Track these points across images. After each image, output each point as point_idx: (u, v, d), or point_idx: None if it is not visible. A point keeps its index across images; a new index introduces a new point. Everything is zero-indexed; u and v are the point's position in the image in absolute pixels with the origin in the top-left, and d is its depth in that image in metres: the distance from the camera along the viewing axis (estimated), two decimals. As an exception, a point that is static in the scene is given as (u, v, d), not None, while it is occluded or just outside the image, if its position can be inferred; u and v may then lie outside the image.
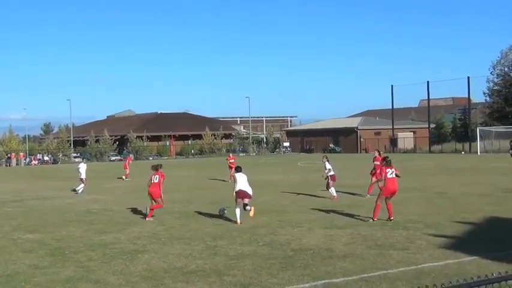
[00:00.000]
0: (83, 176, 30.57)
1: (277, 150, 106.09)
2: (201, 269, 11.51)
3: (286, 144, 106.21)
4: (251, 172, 46.00)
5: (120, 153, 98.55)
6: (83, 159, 32.78)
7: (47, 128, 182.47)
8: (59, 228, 17.62)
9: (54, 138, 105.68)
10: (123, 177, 40.62)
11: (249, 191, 17.90)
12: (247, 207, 17.87)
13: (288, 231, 15.82)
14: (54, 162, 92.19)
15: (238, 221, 17.34)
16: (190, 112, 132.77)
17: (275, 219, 18.12)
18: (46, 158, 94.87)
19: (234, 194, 17.82)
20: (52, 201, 26.71)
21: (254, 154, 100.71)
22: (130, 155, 47.98)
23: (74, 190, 30.48)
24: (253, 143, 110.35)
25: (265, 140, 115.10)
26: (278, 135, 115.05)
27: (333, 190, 23.88)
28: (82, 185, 30.21)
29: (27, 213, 21.97)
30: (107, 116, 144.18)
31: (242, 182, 17.86)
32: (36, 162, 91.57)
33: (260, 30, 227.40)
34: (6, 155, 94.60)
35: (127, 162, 43.42)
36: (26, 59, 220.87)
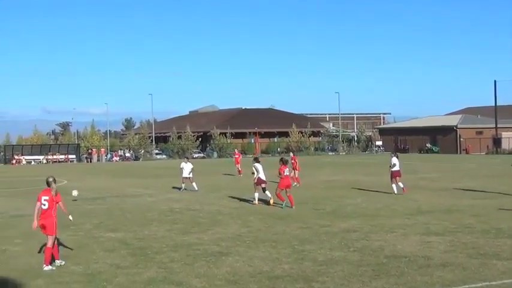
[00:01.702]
0: (187, 174, 30.84)
1: (369, 149, 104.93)
2: (287, 274, 11.51)
3: (379, 143, 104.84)
4: (340, 172, 45.92)
5: (203, 150, 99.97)
6: (185, 158, 33.11)
7: (128, 124, 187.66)
8: (141, 227, 18.05)
9: (135, 134, 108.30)
10: (237, 174, 41.27)
11: (265, 178, 23.75)
12: (267, 192, 23.37)
13: (381, 237, 15.61)
14: (136, 158, 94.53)
15: (256, 201, 23.48)
16: (275, 108, 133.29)
17: (367, 224, 17.93)
18: (127, 155, 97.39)
19: (255, 181, 23.73)
20: (134, 199, 27.41)
21: (344, 153, 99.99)
22: (236, 151, 48.90)
23: (180, 189, 30.65)
24: (343, 141, 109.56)
25: (356, 138, 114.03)
26: (370, 134, 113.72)
27: (394, 186, 26.48)
28: (194, 183, 30.47)
29: (108, 211, 22.63)
30: (190, 111, 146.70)
31: (261, 171, 23.55)
32: (118, 158, 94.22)
33: (350, 22, 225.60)
34: (88, 150, 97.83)
35: (239, 158, 43.95)
36: (108, 53, 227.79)
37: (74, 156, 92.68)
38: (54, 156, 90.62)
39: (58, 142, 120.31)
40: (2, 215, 21.87)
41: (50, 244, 12.58)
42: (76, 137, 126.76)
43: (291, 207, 22.26)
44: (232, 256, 13.35)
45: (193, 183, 30.47)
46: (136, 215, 21.20)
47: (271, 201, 23.10)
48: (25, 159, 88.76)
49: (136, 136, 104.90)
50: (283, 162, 23.59)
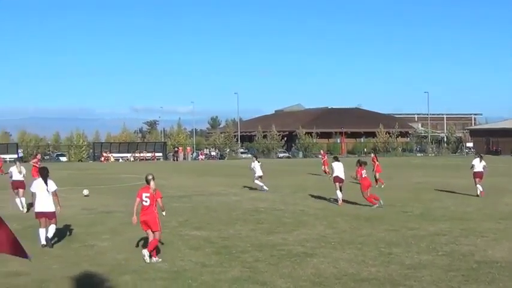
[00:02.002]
0: (260, 173, 30.96)
1: (459, 151, 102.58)
2: (374, 277, 11.41)
3: (470, 144, 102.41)
4: (429, 174, 45.07)
5: (288, 149, 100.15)
6: (254, 157, 33.26)
7: (214, 122, 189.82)
8: (226, 226, 18.26)
9: (221, 132, 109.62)
10: (325, 174, 41.06)
11: (343, 176, 24.21)
12: (338, 192, 23.78)
13: (471, 241, 15.25)
14: (221, 157, 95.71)
15: (340, 202, 23.68)
16: (362, 108, 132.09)
17: (456, 227, 17.53)
18: (213, 153, 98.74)
19: (333, 178, 24.38)
20: (219, 197, 27.74)
21: (433, 154, 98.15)
22: (322, 151, 49.00)
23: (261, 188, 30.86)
24: (432, 142, 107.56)
25: (445, 140, 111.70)
26: (460, 135, 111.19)
27: (478, 186, 26.67)
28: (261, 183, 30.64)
29: (194, 209, 22.99)
30: (275, 111, 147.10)
31: (339, 170, 24.25)
32: (203, 157, 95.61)
33: (441, 25, 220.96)
34: (174, 149, 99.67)
35: (326, 159, 43.85)
36: (195, 53, 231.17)
37: (160, 154, 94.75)
38: (141, 154, 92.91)
39: (145, 140, 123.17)
40: (91, 211, 22.56)
41: (157, 236, 13.35)
42: (163, 136, 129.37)
43: (372, 205, 22.63)
44: (317, 257, 13.33)
45: (262, 183, 30.56)
46: (221, 214, 21.46)
47: (340, 203, 23.62)
48: (113, 157, 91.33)
49: (222, 135, 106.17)
50: (361, 163, 23.80)
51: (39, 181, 15.37)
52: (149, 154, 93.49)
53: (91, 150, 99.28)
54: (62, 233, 16.87)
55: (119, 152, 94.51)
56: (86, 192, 28.83)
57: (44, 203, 15.21)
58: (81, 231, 17.40)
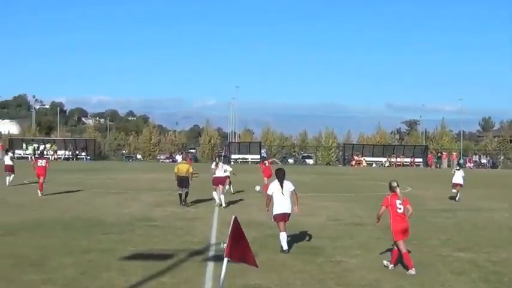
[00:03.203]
0: None
1: None
2: None
3: None
4: None
5: None
6: None
7: (486, 124, 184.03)
8: (496, 248, 17.59)
9: (494, 136, 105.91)
10: None
11: None
12: None
13: None
14: (493, 166, 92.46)
15: None
16: None
17: None
18: (483, 161, 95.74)
19: None
20: (488, 213, 26.84)
21: None
22: None
23: None
24: None
25: None
26: None
27: None
28: None
29: (458, 226, 22.44)
30: None
31: None
32: (471, 165, 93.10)
33: None
34: (437, 154, 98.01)
35: None
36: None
37: (420, 159, 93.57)
38: (398, 159, 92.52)
39: (403, 143, 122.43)
40: (339, 222, 22.91)
41: (404, 249, 13.87)
42: (424, 138, 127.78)
43: None
44: None
45: None
46: (491, 233, 20.75)
47: None
48: (365, 161, 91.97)
49: (495, 139, 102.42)
50: None
51: (275, 183, 16.72)
52: (407, 159, 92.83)
53: (340, 153, 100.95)
54: (306, 245, 17.37)
55: (372, 156, 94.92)
56: (258, 188, 31.42)
57: (281, 204, 16.53)
58: (327, 244, 17.74)
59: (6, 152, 51.93)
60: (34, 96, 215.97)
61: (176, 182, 27.43)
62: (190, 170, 28.18)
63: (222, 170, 28.70)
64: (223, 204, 27.23)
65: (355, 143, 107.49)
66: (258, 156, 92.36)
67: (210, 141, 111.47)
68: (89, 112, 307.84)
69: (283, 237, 16.29)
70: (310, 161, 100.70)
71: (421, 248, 17.30)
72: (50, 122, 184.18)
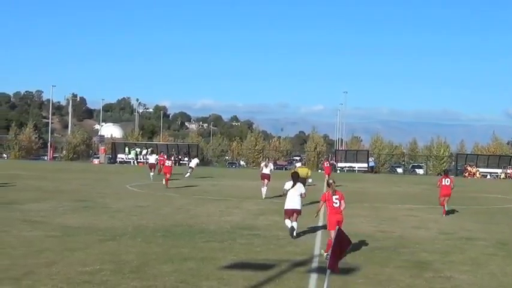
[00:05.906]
0: None
1: None
2: None
3: None
4: None
5: None
6: None
7: None
8: None
9: None
10: None
11: None
12: None
13: None
14: None
15: None
16: None
17: None
18: None
19: None
20: None
21: None
22: None
23: None
24: None
25: None
26: None
27: None
28: None
29: None
30: None
31: None
32: None
33: None
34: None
35: None
36: None
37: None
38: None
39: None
40: (449, 236, 22.46)
41: (332, 238, 14.31)
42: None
43: None
44: None
45: None
46: None
47: None
48: (479, 172, 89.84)
49: None
50: None
51: (290, 183, 20.67)
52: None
53: (453, 163, 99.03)
54: (414, 259, 17.17)
55: (487, 167, 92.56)
56: (310, 180, 37.36)
57: (291, 201, 20.41)
58: (436, 259, 17.45)
59: (152, 152, 74.92)
60: (138, 100, 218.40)
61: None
62: (310, 174, 36.59)
63: (268, 169, 36.27)
64: (263, 197, 34.57)
65: (468, 153, 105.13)
66: (366, 165, 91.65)
67: (315, 148, 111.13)
68: (192, 117, 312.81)
69: (288, 222, 20.22)
70: (420, 171, 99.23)
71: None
72: (153, 126, 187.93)
